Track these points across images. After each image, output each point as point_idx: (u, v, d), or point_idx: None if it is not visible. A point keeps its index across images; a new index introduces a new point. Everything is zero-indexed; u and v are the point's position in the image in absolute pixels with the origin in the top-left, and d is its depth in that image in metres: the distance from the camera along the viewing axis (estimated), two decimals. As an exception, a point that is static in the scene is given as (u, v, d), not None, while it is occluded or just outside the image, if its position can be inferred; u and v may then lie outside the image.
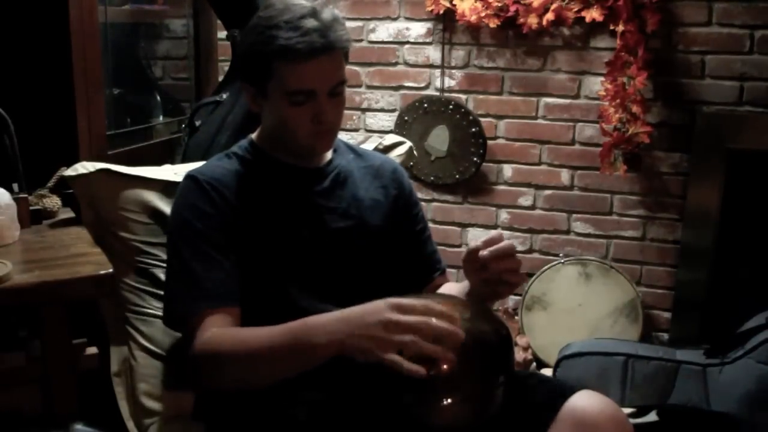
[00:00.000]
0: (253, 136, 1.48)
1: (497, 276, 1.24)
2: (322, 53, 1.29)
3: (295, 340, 1.16)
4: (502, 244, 1.23)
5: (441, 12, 2.62)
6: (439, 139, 2.72)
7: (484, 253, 1.22)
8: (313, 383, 1.27)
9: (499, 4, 2.53)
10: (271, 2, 1.34)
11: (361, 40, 2.75)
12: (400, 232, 1.52)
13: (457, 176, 2.73)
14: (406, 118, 2.74)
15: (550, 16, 2.47)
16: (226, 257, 1.32)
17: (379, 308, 1.11)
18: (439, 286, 1.54)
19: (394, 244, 1.51)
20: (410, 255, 1.54)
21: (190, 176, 1.39)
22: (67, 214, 1.97)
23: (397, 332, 1.08)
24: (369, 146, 1.81)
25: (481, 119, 2.68)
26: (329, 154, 1.49)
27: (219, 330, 1.25)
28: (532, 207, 2.72)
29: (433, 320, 1.09)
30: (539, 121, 2.66)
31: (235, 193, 1.37)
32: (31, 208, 1.91)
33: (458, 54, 2.69)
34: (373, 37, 2.75)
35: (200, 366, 1.26)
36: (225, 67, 2.72)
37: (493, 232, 1.26)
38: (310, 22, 1.28)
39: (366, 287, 1.32)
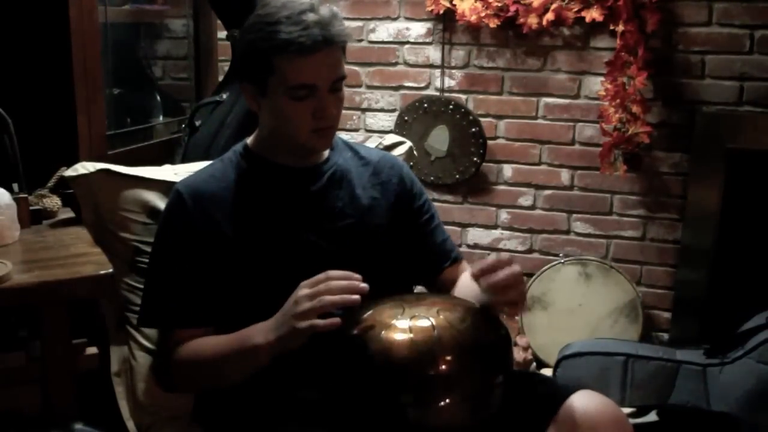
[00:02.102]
0: (248, 140, 1.48)
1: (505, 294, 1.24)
2: (323, 47, 1.29)
3: (239, 344, 1.29)
4: (502, 275, 1.21)
5: (441, 12, 2.61)
6: (439, 139, 2.72)
7: (491, 279, 1.22)
8: (311, 383, 1.28)
9: (499, 4, 2.53)
10: (267, 0, 1.35)
11: (361, 40, 2.75)
12: (404, 227, 1.52)
13: (457, 176, 2.73)
14: (406, 118, 2.74)
15: (550, 16, 2.47)
16: (200, 277, 1.36)
17: (292, 295, 1.24)
18: (455, 275, 1.54)
19: (397, 241, 1.50)
20: (418, 248, 1.53)
21: (176, 190, 1.41)
22: (67, 214, 1.97)
23: (307, 303, 1.21)
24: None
25: (481, 119, 2.68)
26: (326, 153, 1.49)
27: (182, 347, 1.35)
28: (532, 207, 2.72)
29: (333, 282, 1.22)
30: (539, 121, 2.66)
31: (225, 203, 1.38)
32: (31, 208, 1.90)
33: (458, 54, 2.69)
34: (373, 37, 2.75)
35: (169, 376, 1.39)
36: (225, 67, 2.72)
37: (492, 255, 1.27)
38: (311, 17, 1.29)
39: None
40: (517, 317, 2.68)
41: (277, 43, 1.29)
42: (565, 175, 2.67)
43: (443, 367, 1.16)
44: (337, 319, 1.19)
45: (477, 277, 1.23)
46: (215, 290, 1.36)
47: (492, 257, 1.29)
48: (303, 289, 1.23)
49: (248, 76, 1.38)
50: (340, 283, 1.23)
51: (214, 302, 1.37)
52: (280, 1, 1.32)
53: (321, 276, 1.24)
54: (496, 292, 1.23)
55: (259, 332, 1.26)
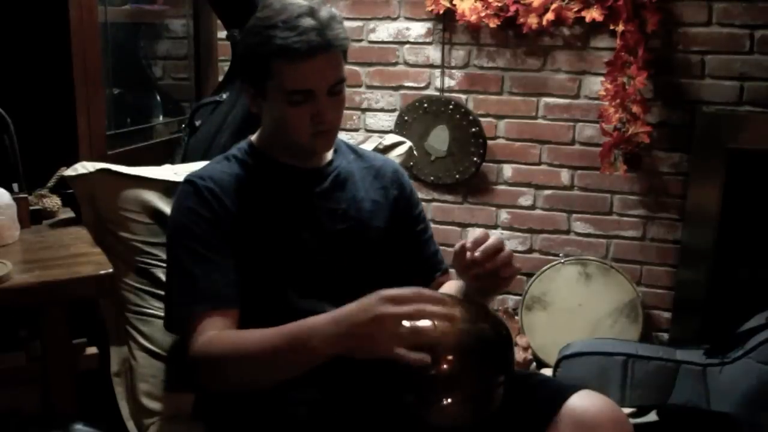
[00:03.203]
0: (253, 138, 1.48)
1: (492, 272, 1.25)
2: (319, 52, 1.29)
3: (293, 342, 1.16)
4: (490, 242, 1.25)
5: (441, 12, 2.61)
6: (439, 139, 2.72)
7: (476, 254, 1.23)
8: (313, 382, 1.28)
9: (499, 4, 2.53)
10: (268, 2, 1.34)
11: (361, 40, 2.75)
12: (400, 234, 1.52)
13: (457, 176, 2.73)
14: (406, 118, 2.74)
15: (550, 16, 2.47)
16: (224, 260, 1.33)
17: (370, 304, 1.09)
18: (441, 284, 1.54)
19: (395, 246, 1.51)
20: (411, 256, 1.54)
21: (188, 180, 1.40)
22: (67, 214, 1.97)
23: (391, 325, 1.07)
24: (369, 146, 1.81)
25: (481, 119, 2.68)
26: (330, 155, 1.49)
27: (217, 333, 1.25)
28: (532, 207, 2.72)
29: (428, 306, 1.09)
30: (539, 121, 2.66)
31: (233, 197, 1.38)
32: (31, 208, 1.90)
33: (458, 54, 2.69)
34: (373, 37, 2.75)
35: (199, 368, 1.26)
36: (225, 67, 2.72)
37: (478, 230, 1.27)
38: (308, 21, 1.28)
39: (366, 289, 1.31)
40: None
41: (272, 48, 1.29)
42: (565, 175, 2.67)
43: (445, 366, 1.16)
44: (428, 358, 1.07)
45: (475, 246, 1.24)
46: (237, 271, 1.33)
47: (471, 237, 1.26)
48: (388, 305, 1.07)
49: (248, 79, 1.38)
50: (436, 310, 1.10)
51: (238, 283, 1.32)
52: (279, 4, 1.32)
53: (411, 294, 1.10)
54: (491, 257, 1.24)
55: (317, 335, 1.13)
